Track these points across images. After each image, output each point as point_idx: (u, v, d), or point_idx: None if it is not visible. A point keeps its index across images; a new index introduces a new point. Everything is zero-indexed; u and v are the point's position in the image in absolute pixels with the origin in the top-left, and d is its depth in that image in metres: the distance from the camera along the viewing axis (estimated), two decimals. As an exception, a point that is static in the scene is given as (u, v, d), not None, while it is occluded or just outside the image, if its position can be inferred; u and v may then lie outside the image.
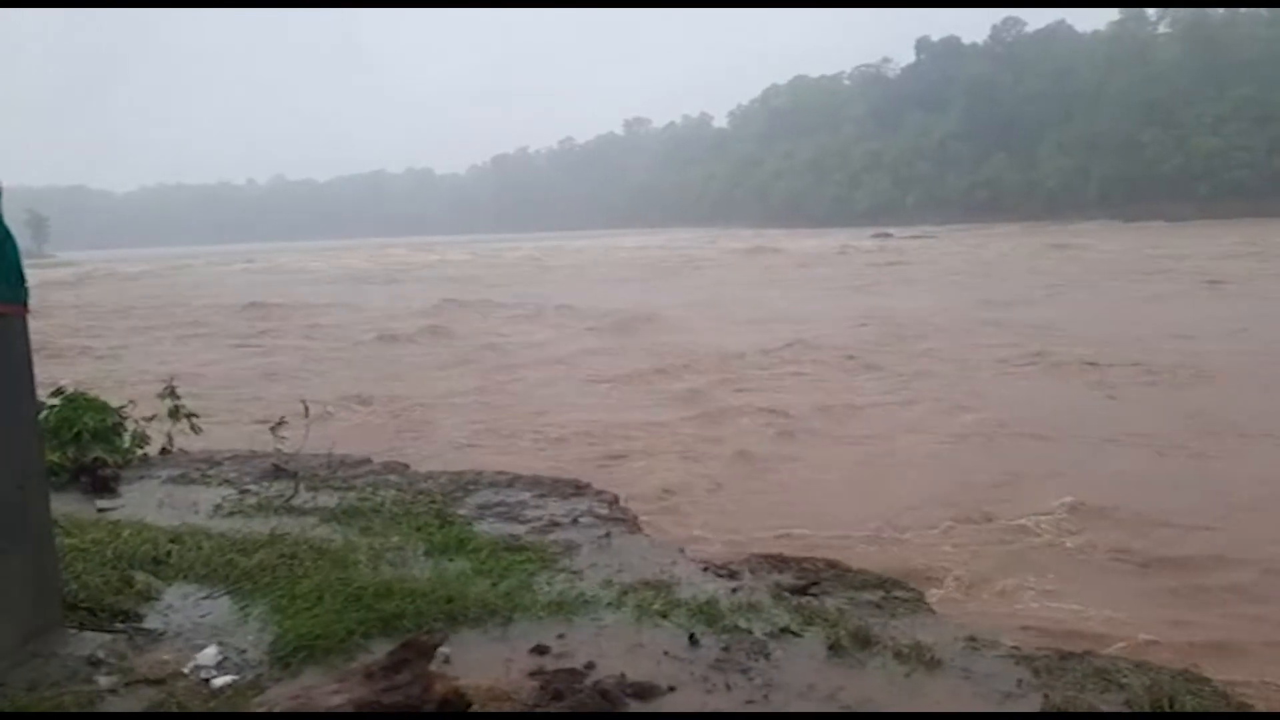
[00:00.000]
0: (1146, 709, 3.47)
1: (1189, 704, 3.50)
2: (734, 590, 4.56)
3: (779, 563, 5.08)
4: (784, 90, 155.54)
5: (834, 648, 3.91)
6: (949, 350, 16.41)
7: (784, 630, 4.06)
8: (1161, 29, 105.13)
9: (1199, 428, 10.48)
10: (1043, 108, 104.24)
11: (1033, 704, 3.57)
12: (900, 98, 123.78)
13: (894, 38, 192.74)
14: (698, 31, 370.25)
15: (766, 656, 3.81)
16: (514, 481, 6.73)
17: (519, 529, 5.54)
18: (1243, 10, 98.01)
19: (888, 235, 71.90)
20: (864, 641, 3.97)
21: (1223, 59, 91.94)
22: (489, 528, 5.53)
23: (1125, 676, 3.81)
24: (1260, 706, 3.93)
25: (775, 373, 14.42)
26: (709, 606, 4.27)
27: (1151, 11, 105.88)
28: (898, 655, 3.87)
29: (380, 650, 3.64)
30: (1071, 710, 3.45)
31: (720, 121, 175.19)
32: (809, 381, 14.01)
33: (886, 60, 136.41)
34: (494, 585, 4.45)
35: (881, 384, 13.88)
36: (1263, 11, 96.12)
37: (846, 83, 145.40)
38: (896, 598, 4.69)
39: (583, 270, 44.46)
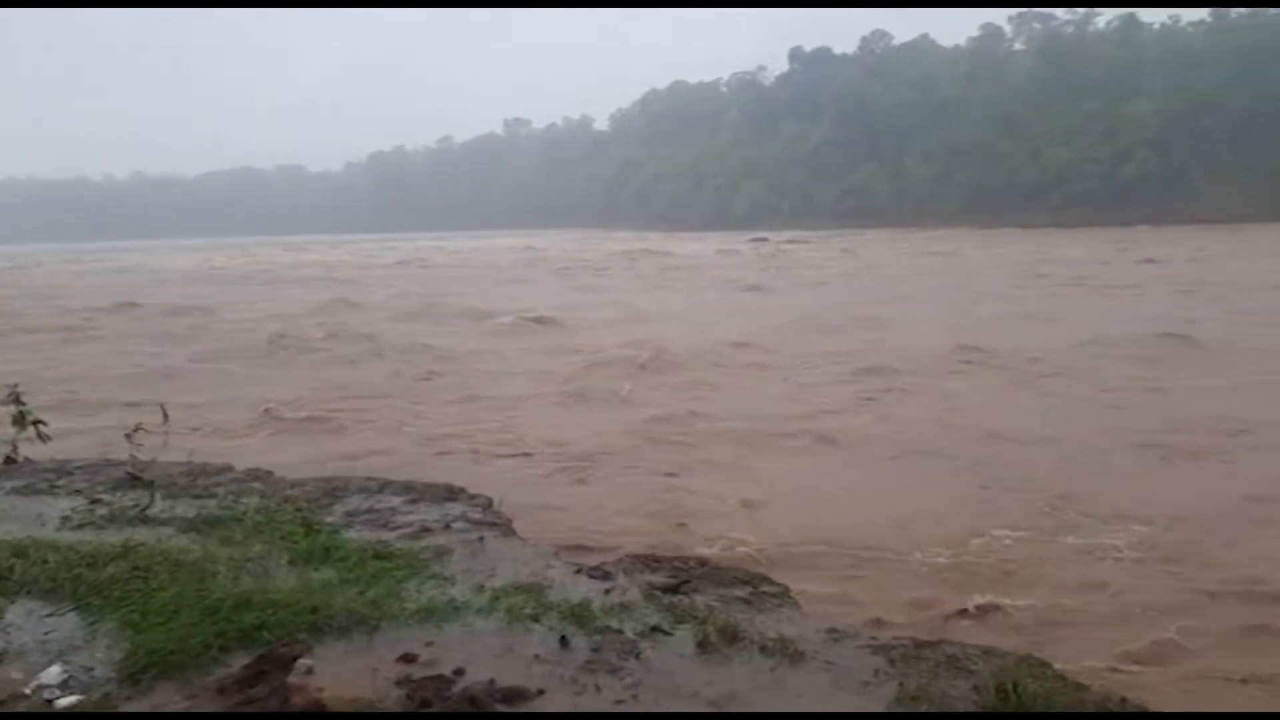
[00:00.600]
0: (993, 693, 3.65)
1: (1031, 687, 3.69)
2: (606, 591, 4.60)
3: (652, 562, 5.14)
4: (663, 95, 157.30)
5: (703, 645, 3.98)
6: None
7: (655, 629, 4.12)
8: (1018, 45, 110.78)
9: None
10: (910, 118, 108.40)
11: (889, 692, 3.72)
12: (775, 105, 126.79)
13: (769, 46, 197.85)
14: (578, 34, 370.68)
15: (637, 656, 3.85)
16: (385, 487, 6.61)
17: (389, 535, 5.44)
18: (1090, 29, 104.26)
19: (764, 240, 73.45)
20: (732, 637, 4.06)
21: (1073, 74, 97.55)
22: (357, 535, 5.42)
23: (975, 663, 4.00)
24: (1089, 681, 4.17)
25: (690, 376, 14.33)
26: (581, 608, 4.29)
27: (1008, 27, 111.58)
28: (763, 649, 3.97)
29: (239, 664, 3.53)
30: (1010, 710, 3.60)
31: (601, 124, 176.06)
32: (721, 378, 14.04)
33: (762, 68, 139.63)
34: (361, 593, 4.36)
35: (783, 379, 14.01)
36: (1110, 31, 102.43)
37: (724, 89, 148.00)
38: (764, 593, 4.81)
39: (472, 270, 43.83)
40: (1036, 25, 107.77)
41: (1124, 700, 3.95)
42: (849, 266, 40.55)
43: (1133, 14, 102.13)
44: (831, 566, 6.50)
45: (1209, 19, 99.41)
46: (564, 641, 3.92)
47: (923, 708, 3.60)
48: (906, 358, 14.80)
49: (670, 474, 8.83)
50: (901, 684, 3.78)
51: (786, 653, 3.96)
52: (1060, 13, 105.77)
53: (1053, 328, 18.93)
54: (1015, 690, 3.65)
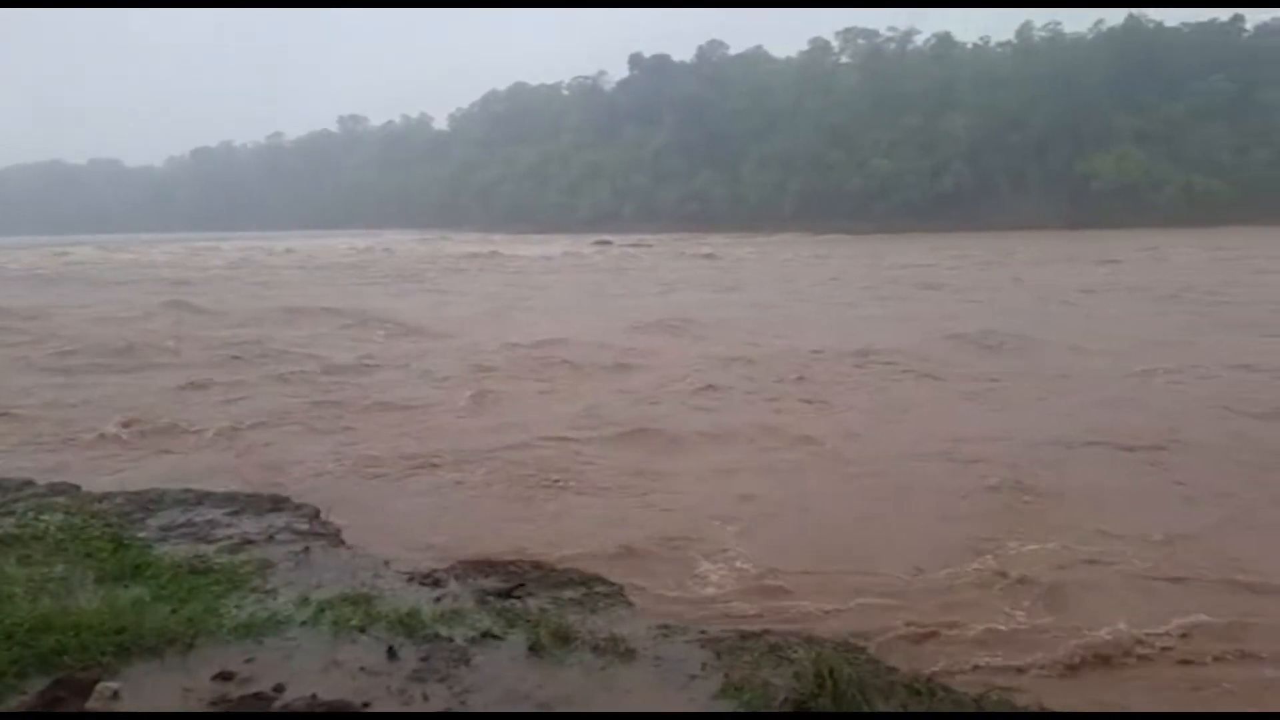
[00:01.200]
0: (811, 679, 3.82)
1: (846, 671, 3.88)
2: (438, 599, 4.55)
3: (485, 567, 5.11)
4: (504, 96, 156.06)
5: (535, 648, 3.99)
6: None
7: (486, 635, 4.10)
8: (844, 59, 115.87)
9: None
10: (745, 126, 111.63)
11: (714, 684, 3.83)
12: (616, 110, 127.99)
13: (610, 50, 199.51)
14: (415, 33, 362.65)
15: (467, 663, 3.82)
16: (204, 499, 6.29)
17: (207, 549, 5.20)
18: (910, 46, 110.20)
19: (608, 242, 74.02)
20: (564, 639, 4.09)
21: (894, 90, 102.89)
22: (172, 550, 5.14)
23: (795, 651, 4.17)
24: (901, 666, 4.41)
25: (542, 374, 14.16)
26: (411, 617, 4.22)
27: (835, 42, 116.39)
28: (595, 649, 4.02)
29: (35, 691, 3.30)
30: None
31: (441, 124, 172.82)
32: (570, 380, 13.95)
33: (602, 73, 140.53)
34: (175, 611, 4.15)
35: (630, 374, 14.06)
36: (927, 49, 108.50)
37: (565, 93, 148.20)
38: (598, 593, 4.87)
39: (310, 272, 41.94)
40: (861, 41, 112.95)
41: (929, 680, 4.22)
42: (727, 270, 40.64)
43: (948, 33, 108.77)
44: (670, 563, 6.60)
45: (1015, 41, 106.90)
46: (391, 652, 3.86)
47: (745, 697, 3.73)
48: (817, 360, 14.96)
49: (528, 478, 8.67)
50: (727, 675, 3.90)
51: (618, 651, 4.02)
52: (883, 29, 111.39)
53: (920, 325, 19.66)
54: (831, 675, 3.82)
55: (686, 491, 8.02)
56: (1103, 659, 4.78)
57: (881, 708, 3.84)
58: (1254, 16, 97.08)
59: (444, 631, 4.10)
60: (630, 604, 4.82)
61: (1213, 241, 51.36)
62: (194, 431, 10.63)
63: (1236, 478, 8.13)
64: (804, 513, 7.43)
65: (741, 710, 3.68)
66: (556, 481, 8.35)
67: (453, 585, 4.76)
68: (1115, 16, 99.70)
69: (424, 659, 3.82)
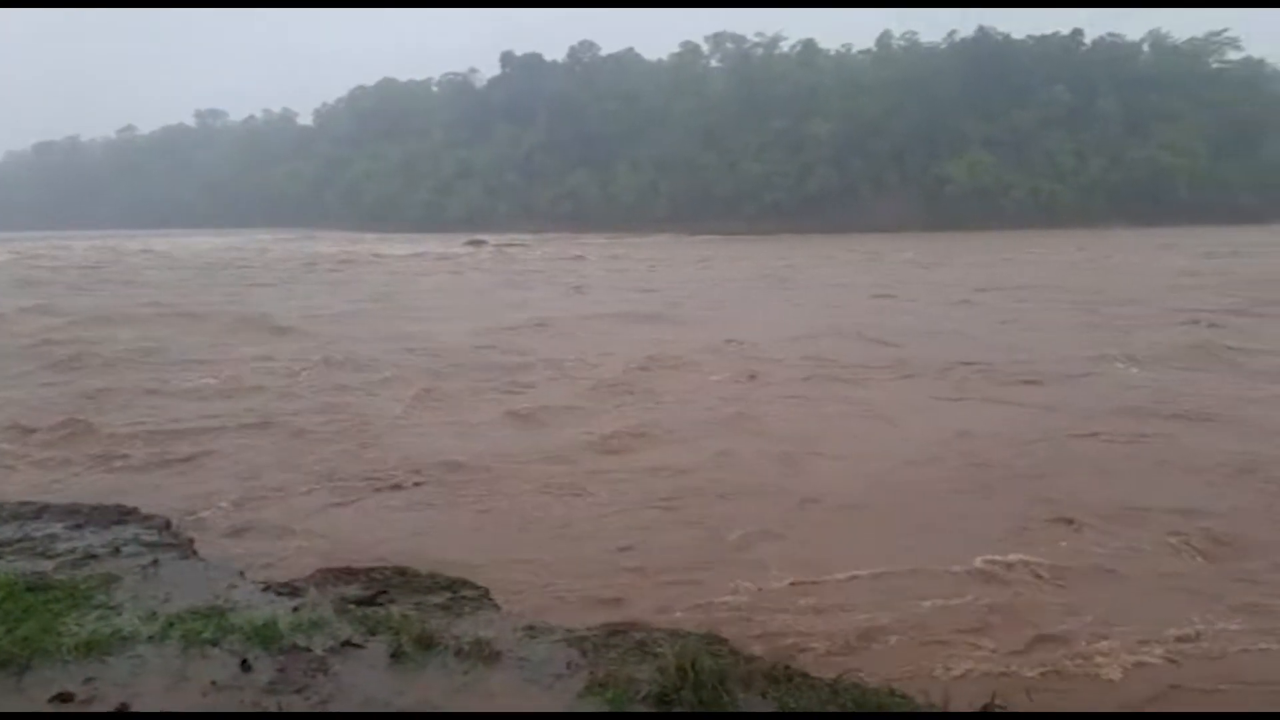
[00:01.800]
0: (673, 672, 3.90)
1: (708, 664, 3.97)
2: (296, 609, 4.43)
3: (346, 575, 5.01)
4: (371, 92, 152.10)
5: (396, 655, 3.94)
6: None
7: (346, 644, 4.03)
8: (714, 63, 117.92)
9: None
10: (618, 127, 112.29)
11: (580, 682, 3.87)
12: (488, 108, 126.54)
13: (480, 47, 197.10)
14: (279, 27, 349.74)
15: (325, 672, 3.75)
16: (43, 511, 5.95)
17: (46, 565, 4.92)
18: (777, 51, 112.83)
19: (481, 242, 73.19)
20: (427, 644, 4.05)
21: (762, 94, 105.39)
22: (7, 566, 4.84)
23: (660, 646, 4.25)
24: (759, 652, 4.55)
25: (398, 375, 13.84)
26: (267, 628, 4.10)
27: (705, 45, 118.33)
28: (459, 654, 4.00)
29: None
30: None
31: (305, 119, 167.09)
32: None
33: (474, 70, 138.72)
34: (9, 631, 3.92)
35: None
36: (793, 55, 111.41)
37: (435, 89, 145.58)
38: (464, 597, 4.84)
39: (176, 272, 39.69)
40: (730, 45, 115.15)
41: (787, 668, 4.37)
42: (615, 270, 40.47)
43: (813, 40, 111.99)
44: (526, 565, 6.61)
45: (875, 49, 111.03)
46: (245, 665, 3.74)
47: (609, 694, 3.78)
48: (766, 359, 15.08)
49: (394, 486, 8.49)
50: (592, 673, 3.94)
51: (482, 655, 4.01)
52: (751, 34, 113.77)
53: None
54: (694, 667, 3.91)
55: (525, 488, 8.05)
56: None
57: (740, 696, 3.95)
58: (1091, 31, 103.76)
59: (302, 642, 4.00)
60: (497, 607, 4.81)
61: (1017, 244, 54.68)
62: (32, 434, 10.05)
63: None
64: (668, 511, 7.55)
65: (606, 709, 3.73)
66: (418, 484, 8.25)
67: (312, 594, 4.64)
68: (967, 27, 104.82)
69: (280, 670, 3.73)
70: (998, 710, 4.07)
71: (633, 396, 12.38)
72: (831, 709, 4.04)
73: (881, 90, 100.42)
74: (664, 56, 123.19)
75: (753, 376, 13.60)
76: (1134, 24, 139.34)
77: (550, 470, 8.74)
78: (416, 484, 8.34)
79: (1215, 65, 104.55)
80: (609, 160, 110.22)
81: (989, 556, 6.41)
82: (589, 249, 58.58)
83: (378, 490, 8.22)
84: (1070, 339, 17.21)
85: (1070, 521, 7.21)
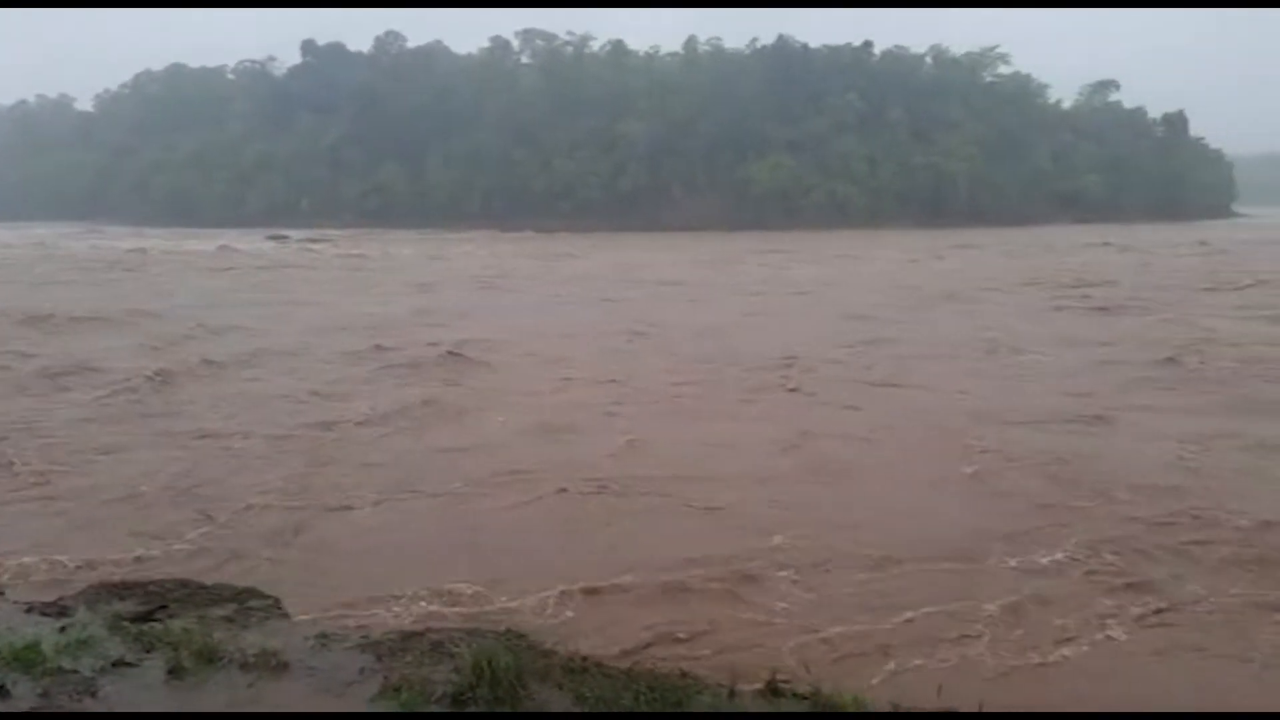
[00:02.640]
0: (470, 671, 3.92)
1: (506, 661, 4.02)
2: (63, 629, 4.17)
3: (121, 590, 4.74)
4: (159, 77, 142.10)
5: (175, 671, 3.79)
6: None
7: (118, 663, 3.83)
8: (524, 59, 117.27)
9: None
10: (429, 121, 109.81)
11: (373, 687, 3.84)
12: (289, 98, 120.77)
13: (281, 38, 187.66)
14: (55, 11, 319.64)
15: (93, 694, 3.56)
16: None
17: None
18: (587, 51, 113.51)
19: (284, 238, 69.94)
20: (209, 659, 3.91)
21: (574, 92, 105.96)
22: None
23: (458, 646, 4.26)
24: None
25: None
26: (29, 651, 3.85)
27: (515, 41, 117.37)
28: (244, 666, 3.88)
29: None
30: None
31: (85, 105, 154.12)
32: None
33: (272, 58, 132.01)
34: None
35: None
36: (603, 54, 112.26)
37: (230, 77, 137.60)
38: (251, 608, 4.68)
39: None
40: (540, 42, 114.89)
41: (584, 659, 4.48)
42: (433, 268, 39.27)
43: (621, 41, 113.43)
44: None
45: (682, 52, 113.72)
46: (3, 691, 3.49)
47: (403, 696, 3.76)
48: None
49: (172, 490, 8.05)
50: (386, 678, 3.92)
51: (269, 666, 3.91)
52: (561, 32, 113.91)
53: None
54: (490, 665, 3.95)
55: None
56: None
57: (538, 691, 4.02)
58: (881, 43, 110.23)
59: (68, 664, 3.77)
60: (286, 616, 4.68)
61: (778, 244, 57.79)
62: None
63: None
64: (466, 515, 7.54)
65: (399, 710, 3.71)
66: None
67: (82, 613, 4.37)
68: (768, 35, 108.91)
69: (42, 695, 3.51)
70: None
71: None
72: (626, 697, 4.16)
73: (690, 92, 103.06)
74: (474, 51, 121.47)
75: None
76: (918, 37, 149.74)
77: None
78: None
79: (989, 78, 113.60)
80: (420, 155, 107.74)
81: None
82: (398, 245, 57.08)
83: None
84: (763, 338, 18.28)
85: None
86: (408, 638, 4.37)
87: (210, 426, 10.42)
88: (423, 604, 5.42)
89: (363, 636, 4.39)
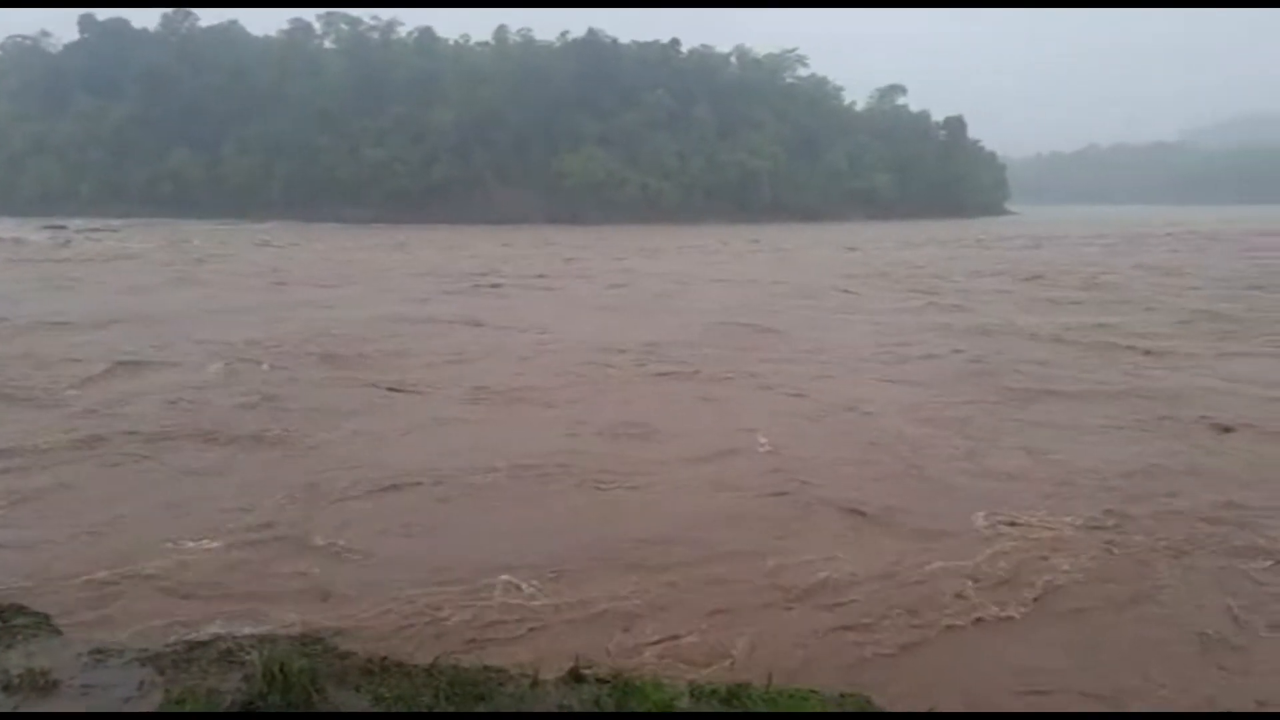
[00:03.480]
0: (261, 678, 3.84)
1: (300, 664, 3.94)
2: None
3: None
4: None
5: (-76, 700, 3.52)
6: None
7: None
8: (327, 44, 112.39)
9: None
10: (224, 104, 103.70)
11: (154, 701, 3.71)
12: (66, 76, 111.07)
13: (56, 12, 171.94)
14: None
15: None
16: None
17: None
18: (394, 37, 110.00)
19: (61, 228, 64.36)
20: (-36, 684, 3.65)
21: (381, 79, 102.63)
22: None
23: (249, 653, 4.16)
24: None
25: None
26: None
27: (317, 24, 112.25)
28: (7, 688, 3.66)
29: None
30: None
31: None
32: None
33: (45, 34, 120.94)
34: None
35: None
36: (411, 41, 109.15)
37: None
38: (16, 626, 4.39)
39: None
40: (345, 26, 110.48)
41: (384, 659, 4.45)
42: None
43: (430, 28, 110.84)
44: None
45: (493, 42, 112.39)
46: None
47: (188, 708, 3.66)
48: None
49: None
50: (168, 691, 3.80)
51: (37, 686, 3.70)
52: (366, 16, 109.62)
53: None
54: (282, 670, 3.89)
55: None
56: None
57: (333, 693, 3.99)
58: (688, 41, 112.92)
59: None
60: (59, 632, 4.42)
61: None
62: None
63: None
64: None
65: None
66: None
67: None
68: (578, 28, 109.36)
69: None
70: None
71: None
72: (427, 694, 4.19)
73: (502, 82, 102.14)
74: (273, 33, 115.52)
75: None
76: (722, 37, 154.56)
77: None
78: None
79: (789, 79, 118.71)
80: (214, 140, 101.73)
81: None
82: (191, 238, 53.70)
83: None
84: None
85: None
86: (194, 648, 4.23)
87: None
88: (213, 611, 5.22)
89: (142, 650, 4.21)
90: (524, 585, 5.90)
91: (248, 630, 4.58)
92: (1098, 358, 14.67)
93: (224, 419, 10.16)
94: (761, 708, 4.14)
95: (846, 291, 25.72)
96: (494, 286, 26.89)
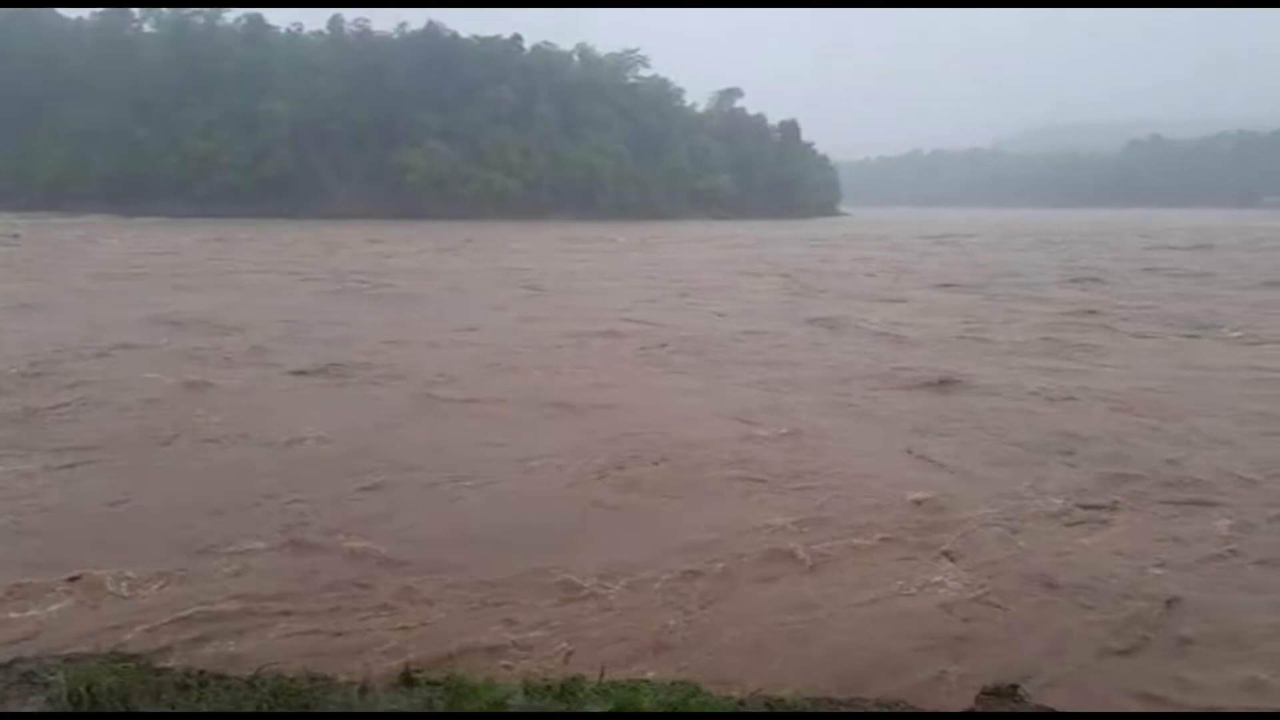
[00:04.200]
0: (66, 699, 3.76)
1: (109, 683, 3.88)
2: None
3: None
4: None
5: None
6: None
7: None
8: (146, 28, 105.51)
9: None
10: (32, 92, 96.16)
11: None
12: None
13: None
14: None
15: None
16: None
17: None
18: (220, 24, 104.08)
19: None
20: None
21: (208, 68, 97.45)
22: None
23: (54, 674, 4.06)
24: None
25: None
26: None
27: (136, 10, 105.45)
28: None
29: None
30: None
31: None
32: None
33: None
34: None
35: None
36: (239, 29, 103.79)
37: None
38: None
39: None
40: (166, 12, 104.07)
41: (201, 672, 4.43)
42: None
43: (260, 14, 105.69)
44: None
45: (327, 32, 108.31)
46: None
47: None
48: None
49: None
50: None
51: None
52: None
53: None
54: (89, 690, 3.81)
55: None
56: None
57: (147, 711, 3.94)
58: (530, 38, 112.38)
59: None
60: None
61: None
62: None
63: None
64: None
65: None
66: None
67: None
68: (417, 21, 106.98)
69: None
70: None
71: None
72: (249, 706, 4.19)
73: (338, 74, 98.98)
74: (85, 15, 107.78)
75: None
76: (565, 35, 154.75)
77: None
78: None
79: (631, 80, 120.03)
80: (22, 129, 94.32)
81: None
82: None
83: None
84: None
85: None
86: (-5, 670, 4.08)
87: None
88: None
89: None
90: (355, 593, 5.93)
91: (51, 651, 4.47)
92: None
93: None
94: (594, 701, 4.18)
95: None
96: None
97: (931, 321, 19.93)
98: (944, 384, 13.08)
